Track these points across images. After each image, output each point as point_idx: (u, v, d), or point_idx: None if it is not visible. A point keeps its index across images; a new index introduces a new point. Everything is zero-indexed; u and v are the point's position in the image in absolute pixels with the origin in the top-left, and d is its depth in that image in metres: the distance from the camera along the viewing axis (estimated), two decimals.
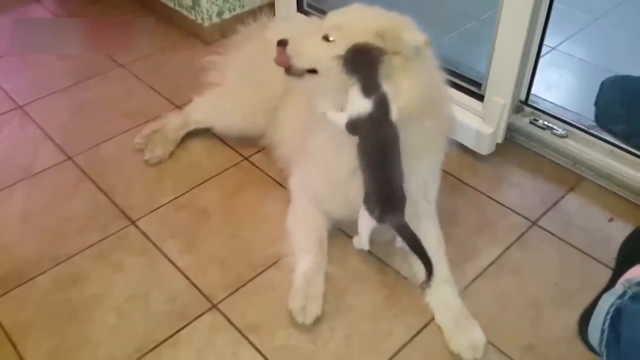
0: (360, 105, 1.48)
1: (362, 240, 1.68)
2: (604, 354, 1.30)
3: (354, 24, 1.53)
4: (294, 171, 1.90)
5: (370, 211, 1.56)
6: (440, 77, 1.68)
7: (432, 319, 1.63)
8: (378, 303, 1.69)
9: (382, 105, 1.47)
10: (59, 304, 1.70)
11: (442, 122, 1.70)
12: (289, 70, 1.61)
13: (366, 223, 1.61)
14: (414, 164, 1.61)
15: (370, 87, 1.47)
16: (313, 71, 1.57)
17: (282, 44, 1.59)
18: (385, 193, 1.53)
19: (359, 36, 1.49)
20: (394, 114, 1.49)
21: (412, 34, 1.52)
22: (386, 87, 1.48)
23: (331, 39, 1.54)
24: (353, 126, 1.51)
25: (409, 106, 1.52)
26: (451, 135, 1.81)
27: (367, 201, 1.56)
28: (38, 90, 2.52)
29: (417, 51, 1.51)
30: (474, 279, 1.74)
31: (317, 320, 1.62)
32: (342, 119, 1.51)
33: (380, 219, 1.56)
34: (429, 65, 1.60)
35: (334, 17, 1.59)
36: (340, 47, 1.50)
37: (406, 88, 1.51)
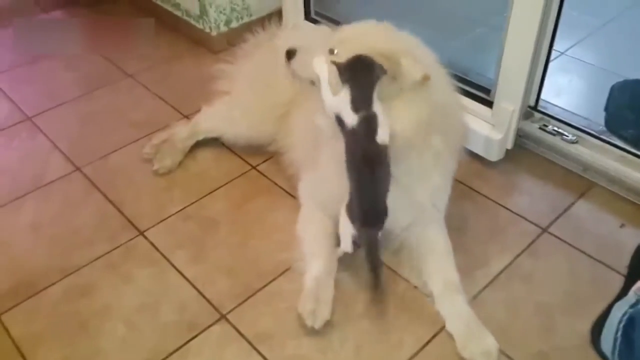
0: (347, 117, 1.45)
1: (345, 245, 1.61)
2: None
3: (358, 40, 1.51)
4: (303, 177, 1.90)
5: (351, 219, 1.53)
6: (452, 94, 1.67)
7: (442, 328, 1.61)
8: (388, 312, 1.67)
9: (368, 125, 1.43)
10: (68, 315, 1.71)
11: (454, 134, 1.69)
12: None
13: (347, 226, 1.56)
14: (426, 176, 1.60)
15: (360, 102, 1.43)
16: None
17: (289, 55, 1.60)
18: (366, 208, 1.50)
19: (361, 51, 1.46)
20: (382, 136, 1.44)
21: (412, 65, 1.46)
22: (377, 108, 1.44)
23: (335, 52, 1.52)
24: (339, 121, 1.49)
25: (404, 135, 1.49)
26: (464, 144, 1.80)
27: (349, 208, 1.53)
28: (46, 101, 2.54)
29: (415, 84, 1.47)
30: (485, 287, 1.73)
31: (327, 326, 1.61)
32: (331, 105, 1.49)
33: (358, 231, 1.53)
34: (436, 89, 1.55)
35: (343, 31, 1.58)
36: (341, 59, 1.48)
37: (401, 117, 1.48)
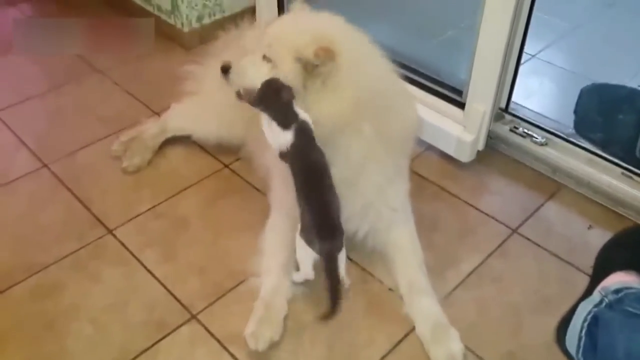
0: (282, 137, 1.51)
1: (306, 272, 1.60)
2: None
3: (280, 42, 1.53)
4: (272, 184, 1.86)
5: (309, 242, 1.53)
6: (388, 79, 1.64)
7: (414, 328, 1.62)
8: (359, 312, 1.68)
9: (303, 132, 1.50)
10: (35, 314, 1.67)
11: (394, 122, 1.65)
12: (239, 96, 1.63)
13: (307, 255, 1.56)
14: (361, 168, 1.60)
15: (286, 120, 1.50)
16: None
17: (224, 70, 1.61)
18: (320, 221, 1.51)
19: (283, 59, 1.51)
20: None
21: (316, 51, 1.46)
22: (303, 114, 1.50)
23: (268, 57, 1.54)
24: (283, 156, 1.54)
25: (329, 123, 1.52)
26: (415, 134, 1.80)
27: (304, 232, 1.54)
28: (13, 95, 2.47)
29: (328, 70, 1.48)
30: (455, 287, 1.74)
31: (298, 327, 1.61)
32: (275, 144, 1.54)
33: (320, 251, 1.52)
34: (365, 74, 1.55)
35: (269, 32, 1.58)
36: (277, 69, 1.52)
37: (324, 109, 1.52)
